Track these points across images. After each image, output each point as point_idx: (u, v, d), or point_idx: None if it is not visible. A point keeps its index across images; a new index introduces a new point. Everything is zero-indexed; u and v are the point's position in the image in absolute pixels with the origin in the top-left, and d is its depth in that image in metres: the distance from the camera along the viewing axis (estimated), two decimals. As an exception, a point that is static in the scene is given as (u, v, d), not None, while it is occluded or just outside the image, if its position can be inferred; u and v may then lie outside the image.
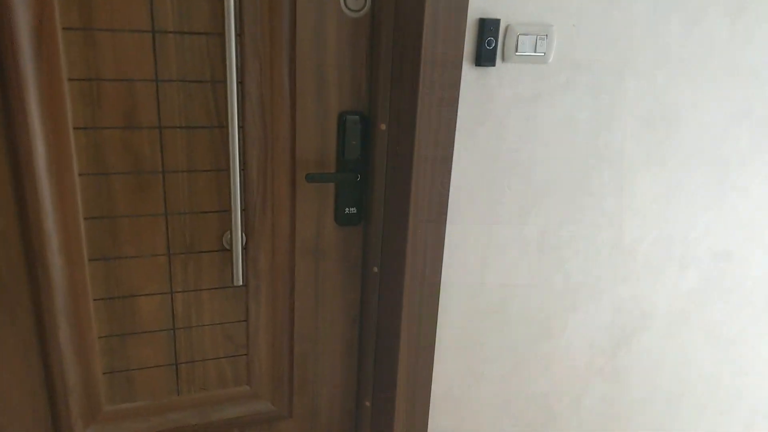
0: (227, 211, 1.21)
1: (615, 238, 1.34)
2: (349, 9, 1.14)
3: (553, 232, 1.28)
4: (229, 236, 1.20)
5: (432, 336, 1.28)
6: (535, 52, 1.10)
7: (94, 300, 1.19)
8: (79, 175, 1.10)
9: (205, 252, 1.22)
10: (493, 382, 1.38)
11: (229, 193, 1.13)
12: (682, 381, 1.59)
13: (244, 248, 1.24)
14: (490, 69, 1.10)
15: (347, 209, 1.27)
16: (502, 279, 1.28)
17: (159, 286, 1.22)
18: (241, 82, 1.13)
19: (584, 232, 1.31)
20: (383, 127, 1.18)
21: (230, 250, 1.21)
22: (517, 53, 1.09)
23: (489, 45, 1.06)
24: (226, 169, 1.17)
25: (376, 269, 1.30)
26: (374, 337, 1.36)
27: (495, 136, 1.15)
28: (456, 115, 1.08)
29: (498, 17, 1.07)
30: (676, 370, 1.57)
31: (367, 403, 1.41)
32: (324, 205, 1.26)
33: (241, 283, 1.20)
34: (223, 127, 1.15)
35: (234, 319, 1.30)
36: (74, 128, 1.07)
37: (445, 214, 1.15)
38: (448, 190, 1.14)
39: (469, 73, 1.09)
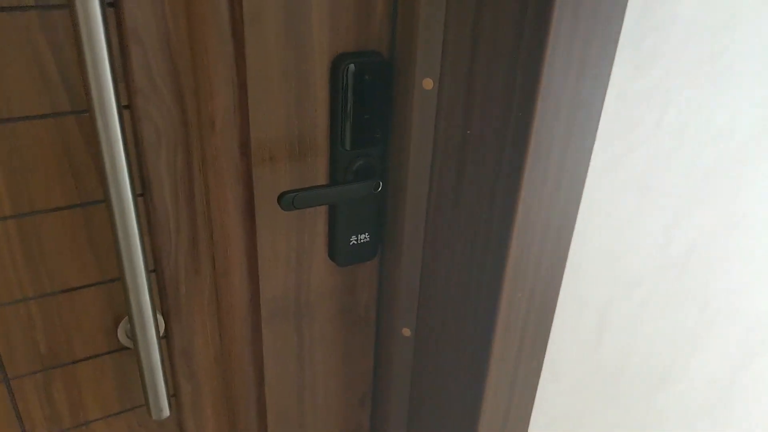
0: (115, 280, 0.59)
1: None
2: None
3: (704, 246, 0.75)
4: (130, 326, 0.58)
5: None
6: None
7: None
8: None
9: (82, 360, 0.61)
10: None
11: (116, 242, 0.51)
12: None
13: (164, 337, 0.64)
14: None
15: (354, 237, 0.68)
16: (623, 330, 0.75)
17: (-3, 436, 0.60)
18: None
19: (749, 239, 0.79)
20: (430, 84, 0.58)
21: (134, 350, 0.59)
22: None
23: None
24: (100, 201, 0.53)
25: (408, 332, 0.73)
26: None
27: (659, 93, 0.58)
28: (615, 52, 0.50)
29: None
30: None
31: None
32: (309, 234, 0.66)
33: (166, 414, 0.60)
34: (79, 113, 0.51)
35: (159, 449, 0.71)
36: None
37: (570, 238, 0.59)
38: (581, 194, 0.57)
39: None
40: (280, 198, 0.56)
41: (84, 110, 0.50)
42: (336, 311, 0.74)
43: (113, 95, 0.46)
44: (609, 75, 0.50)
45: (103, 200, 0.54)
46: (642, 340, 0.79)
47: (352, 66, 0.58)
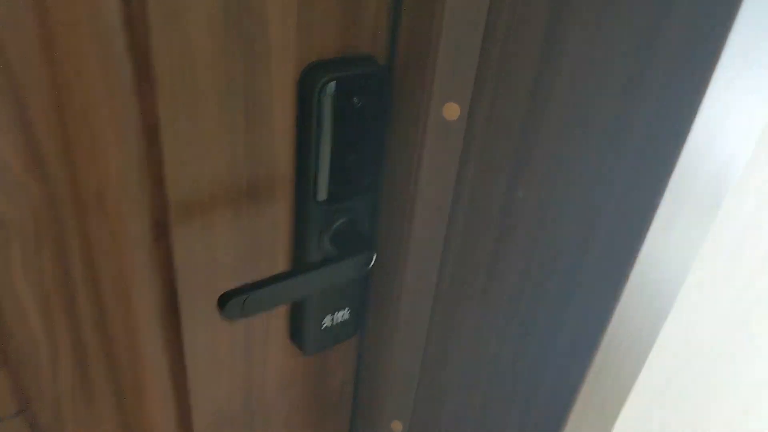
0: (-45, 447, 0.36)
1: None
2: None
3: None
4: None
5: None
6: None
7: None
8: None
9: None
10: None
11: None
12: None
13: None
14: None
15: (329, 318, 0.47)
16: (686, 386, 0.59)
17: None
18: None
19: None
20: (454, 112, 0.37)
21: None
22: None
23: None
24: None
25: (399, 426, 0.54)
26: None
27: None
28: None
29: None
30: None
31: None
32: (263, 318, 0.45)
33: None
34: None
35: None
36: None
37: (664, 320, 0.41)
38: (690, 266, 0.39)
39: None
40: (223, 303, 0.34)
41: None
42: (299, 403, 0.53)
43: None
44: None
45: None
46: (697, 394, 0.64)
47: (331, 85, 0.36)
